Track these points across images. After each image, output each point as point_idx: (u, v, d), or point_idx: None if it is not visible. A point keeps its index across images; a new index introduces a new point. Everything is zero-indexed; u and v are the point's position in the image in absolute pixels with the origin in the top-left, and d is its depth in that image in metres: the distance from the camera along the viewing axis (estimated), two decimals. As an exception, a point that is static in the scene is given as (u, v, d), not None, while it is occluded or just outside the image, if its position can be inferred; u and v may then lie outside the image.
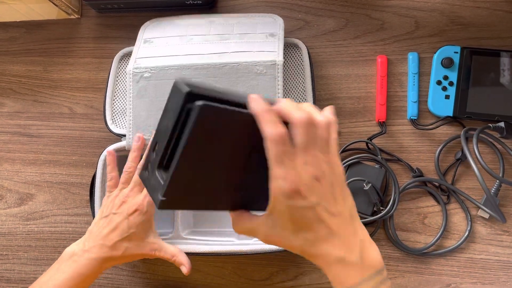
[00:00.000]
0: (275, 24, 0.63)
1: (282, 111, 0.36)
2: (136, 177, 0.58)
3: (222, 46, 0.61)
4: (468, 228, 0.64)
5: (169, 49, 0.63)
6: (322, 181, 0.36)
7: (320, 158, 0.36)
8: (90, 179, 0.65)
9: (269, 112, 0.35)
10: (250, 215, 0.40)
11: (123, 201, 0.57)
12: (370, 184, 0.62)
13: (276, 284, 0.66)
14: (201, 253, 0.60)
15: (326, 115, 0.38)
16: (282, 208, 0.36)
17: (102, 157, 0.63)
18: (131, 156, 0.59)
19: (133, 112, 0.61)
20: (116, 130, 0.65)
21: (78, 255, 0.56)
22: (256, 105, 0.35)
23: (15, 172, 0.72)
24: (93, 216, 0.63)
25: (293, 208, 0.36)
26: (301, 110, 0.36)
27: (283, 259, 0.67)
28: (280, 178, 0.35)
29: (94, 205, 0.62)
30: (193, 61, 0.60)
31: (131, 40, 0.72)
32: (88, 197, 0.68)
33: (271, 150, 0.34)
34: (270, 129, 0.34)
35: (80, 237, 0.70)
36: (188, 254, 0.60)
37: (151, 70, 0.60)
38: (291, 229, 0.37)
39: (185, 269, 0.58)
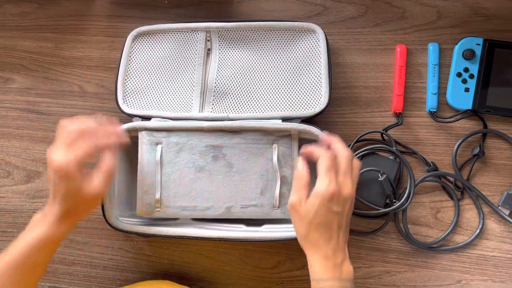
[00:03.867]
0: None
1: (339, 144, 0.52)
2: None
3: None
4: (480, 226, 0.63)
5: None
6: (349, 202, 0.50)
7: (350, 184, 0.50)
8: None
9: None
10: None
11: None
12: (385, 175, 0.61)
13: (283, 273, 0.66)
14: (208, 238, 0.59)
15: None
16: (316, 203, 0.49)
17: (112, 137, 0.62)
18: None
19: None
20: (127, 110, 0.64)
21: None
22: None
23: (23, 149, 0.71)
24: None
25: (327, 209, 0.49)
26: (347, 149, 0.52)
27: (291, 248, 0.66)
28: (327, 183, 0.49)
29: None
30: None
31: (145, 20, 0.70)
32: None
33: (326, 161, 0.50)
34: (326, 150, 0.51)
35: (86, 217, 0.70)
36: (196, 238, 0.59)
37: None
38: (315, 222, 0.50)
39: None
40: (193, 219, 0.63)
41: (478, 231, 0.63)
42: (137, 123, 0.62)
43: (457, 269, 0.63)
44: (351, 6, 0.67)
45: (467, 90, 0.63)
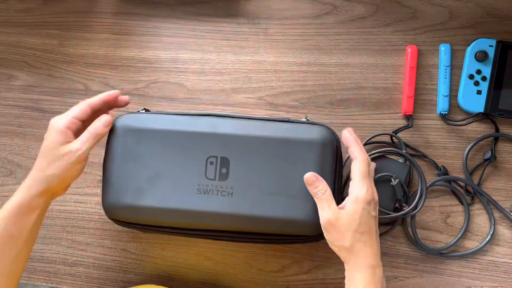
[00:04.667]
0: None
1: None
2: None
3: None
4: (491, 232, 0.62)
5: None
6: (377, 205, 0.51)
7: (374, 188, 0.51)
8: (103, 158, 0.63)
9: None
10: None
11: None
12: (397, 180, 0.60)
13: (288, 277, 0.64)
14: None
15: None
16: (358, 210, 0.48)
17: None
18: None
19: None
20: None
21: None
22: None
23: (26, 147, 0.70)
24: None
25: (368, 214, 0.49)
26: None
27: (297, 252, 0.65)
28: (366, 188, 0.49)
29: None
30: None
31: (151, 17, 0.69)
32: (100, 177, 0.67)
33: (364, 167, 0.49)
34: (364, 153, 0.50)
35: (90, 218, 0.69)
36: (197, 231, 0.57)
37: None
38: (360, 231, 0.48)
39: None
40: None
41: (489, 236, 0.62)
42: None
43: (466, 275, 0.62)
44: (361, 5, 0.66)
45: (479, 92, 0.62)
